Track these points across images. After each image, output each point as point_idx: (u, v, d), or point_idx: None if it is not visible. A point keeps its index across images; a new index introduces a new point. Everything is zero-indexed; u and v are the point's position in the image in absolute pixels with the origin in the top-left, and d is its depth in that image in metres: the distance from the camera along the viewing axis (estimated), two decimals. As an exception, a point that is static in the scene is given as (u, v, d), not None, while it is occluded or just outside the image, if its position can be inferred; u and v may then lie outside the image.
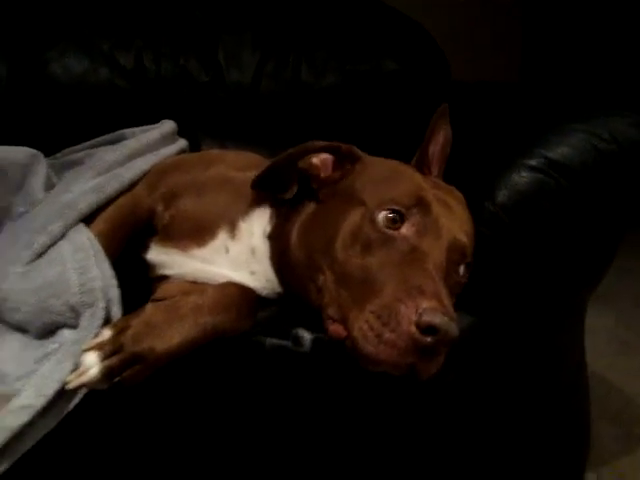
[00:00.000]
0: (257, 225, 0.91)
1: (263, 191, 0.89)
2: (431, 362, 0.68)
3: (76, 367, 0.71)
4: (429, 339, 0.65)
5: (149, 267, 0.96)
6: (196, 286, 0.89)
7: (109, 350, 0.72)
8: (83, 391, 0.72)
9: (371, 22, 1.58)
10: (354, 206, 0.79)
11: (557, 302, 0.94)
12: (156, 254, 0.95)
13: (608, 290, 1.63)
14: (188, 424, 0.86)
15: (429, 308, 0.65)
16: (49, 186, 1.09)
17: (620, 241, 0.94)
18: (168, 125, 1.22)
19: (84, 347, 0.72)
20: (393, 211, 0.76)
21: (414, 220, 0.76)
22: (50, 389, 0.69)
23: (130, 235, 0.93)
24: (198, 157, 1.11)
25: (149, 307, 0.79)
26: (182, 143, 1.19)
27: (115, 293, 0.78)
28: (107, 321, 0.76)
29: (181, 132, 1.26)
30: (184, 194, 0.95)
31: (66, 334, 0.75)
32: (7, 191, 1.04)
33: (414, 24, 1.59)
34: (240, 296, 0.85)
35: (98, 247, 0.83)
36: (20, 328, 0.77)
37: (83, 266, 0.78)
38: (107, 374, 0.72)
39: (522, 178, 0.83)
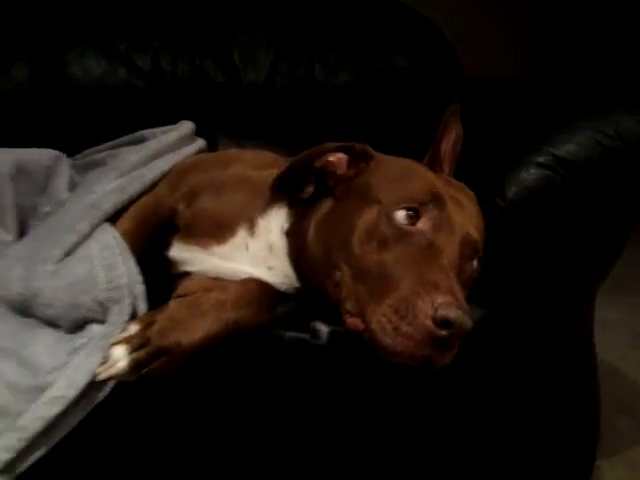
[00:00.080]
0: (275, 222, 0.93)
1: (282, 192, 0.91)
2: (445, 353, 0.70)
3: (105, 360, 0.74)
4: (444, 332, 0.67)
5: (171, 264, 0.98)
6: (217, 282, 0.90)
7: (136, 343, 0.75)
8: (112, 383, 0.75)
9: (383, 20, 1.59)
10: (370, 203, 0.81)
11: (566, 293, 0.95)
12: (178, 251, 0.97)
13: (621, 282, 1.64)
14: (209, 415, 0.88)
15: (444, 303, 0.68)
16: (72, 186, 1.12)
17: (628, 234, 0.95)
18: (187, 126, 1.24)
19: (112, 341, 0.75)
20: (409, 208, 0.78)
21: (429, 216, 0.78)
22: (81, 381, 0.72)
23: (153, 233, 0.95)
24: (216, 157, 1.13)
25: (173, 303, 0.81)
26: (201, 143, 1.21)
27: (141, 289, 0.81)
28: (133, 316, 0.79)
29: (198, 131, 1.27)
30: (204, 193, 0.97)
31: (95, 329, 0.78)
32: (32, 192, 1.08)
33: (425, 21, 1.59)
34: (260, 291, 0.88)
35: (123, 245, 0.86)
36: (51, 323, 0.80)
37: (110, 263, 0.81)
38: (135, 366, 0.75)
39: (530, 175, 0.85)
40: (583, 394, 1.09)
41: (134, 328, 0.77)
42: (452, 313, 0.67)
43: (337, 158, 0.87)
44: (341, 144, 0.87)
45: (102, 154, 1.24)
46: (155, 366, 0.76)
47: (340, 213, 0.84)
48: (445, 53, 1.55)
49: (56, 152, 1.13)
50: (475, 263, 0.80)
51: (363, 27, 1.57)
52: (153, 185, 0.99)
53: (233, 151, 1.28)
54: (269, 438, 0.90)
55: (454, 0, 2.63)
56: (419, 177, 0.84)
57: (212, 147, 1.32)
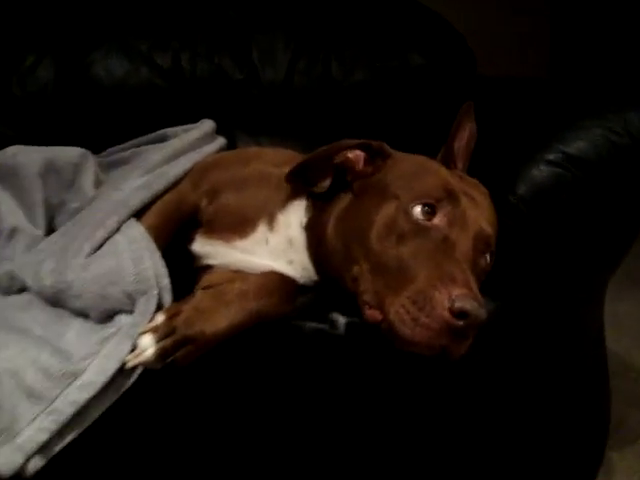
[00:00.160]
0: (294, 217, 0.95)
1: (297, 184, 0.93)
2: (461, 344, 0.73)
3: (133, 348, 0.77)
4: (461, 323, 0.70)
5: (194, 258, 1.00)
6: (239, 274, 0.93)
7: (163, 333, 0.78)
8: (139, 370, 0.78)
9: (398, 18, 1.59)
10: (387, 199, 0.83)
11: (576, 287, 0.97)
12: (201, 246, 1.00)
13: (631, 277, 1.65)
14: (232, 402, 0.91)
15: (461, 294, 0.71)
16: (97, 183, 1.14)
17: (638, 229, 0.96)
18: (208, 124, 1.26)
19: (140, 330, 0.78)
20: (426, 204, 0.80)
21: (445, 211, 0.80)
22: (111, 368, 0.76)
23: (176, 228, 0.98)
24: (237, 155, 1.16)
25: (198, 294, 0.84)
26: (221, 141, 1.23)
27: (166, 281, 0.84)
28: (159, 307, 0.82)
29: (217, 128, 1.30)
30: (225, 190, 1.00)
31: (123, 319, 0.81)
32: (61, 188, 1.10)
33: (441, 19, 1.60)
34: (281, 282, 0.90)
35: (149, 240, 0.89)
36: (82, 314, 0.83)
37: (137, 257, 0.84)
38: (161, 355, 0.77)
39: (541, 172, 0.87)
40: (593, 386, 1.10)
41: (161, 318, 0.80)
42: (468, 304, 0.70)
43: (355, 155, 0.90)
44: (359, 141, 0.89)
45: (126, 152, 1.27)
46: (180, 354, 0.78)
47: (358, 209, 0.86)
48: (460, 51, 1.56)
49: (83, 150, 1.15)
50: (488, 257, 0.83)
51: (379, 26, 1.58)
52: (176, 182, 1.01)
53: (253, 149, 1.31)
54: (288, 424, 0.92)
55: (469, -2, 2.62)
56: (434, 174, 0.86)
57: (231, 143, 1.34)
